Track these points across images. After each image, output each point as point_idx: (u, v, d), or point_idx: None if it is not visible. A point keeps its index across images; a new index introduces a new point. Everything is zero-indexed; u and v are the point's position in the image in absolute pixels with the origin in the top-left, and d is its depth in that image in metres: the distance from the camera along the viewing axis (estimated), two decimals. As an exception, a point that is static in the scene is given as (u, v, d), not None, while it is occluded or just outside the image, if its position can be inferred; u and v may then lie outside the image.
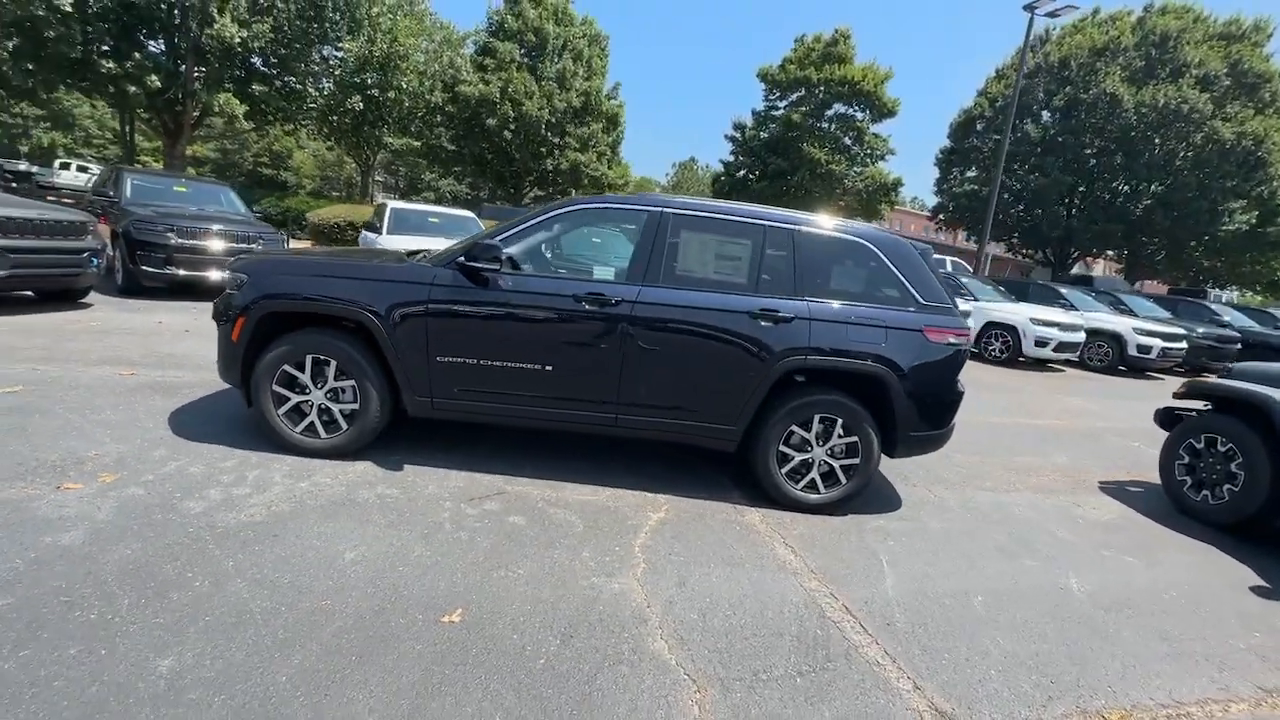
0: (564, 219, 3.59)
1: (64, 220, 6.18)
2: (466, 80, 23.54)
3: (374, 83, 21.96)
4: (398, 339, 3.30)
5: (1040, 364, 11.80)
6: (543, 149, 24.59)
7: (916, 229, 50.95)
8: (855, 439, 3.47)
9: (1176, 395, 4.60)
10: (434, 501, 3.11)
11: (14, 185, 20.36)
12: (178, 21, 18.27)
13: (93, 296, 7.23)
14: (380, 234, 8.89)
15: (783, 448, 3.49)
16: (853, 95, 28.96)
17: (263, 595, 2.22)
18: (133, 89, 17.82)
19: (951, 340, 3.51)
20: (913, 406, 3.46)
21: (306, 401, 3.38)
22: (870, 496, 3.89)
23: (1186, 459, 4.39)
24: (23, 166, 27.60)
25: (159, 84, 17.88)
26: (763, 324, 3.35)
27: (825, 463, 3.52)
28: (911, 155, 66.96)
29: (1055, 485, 4.67)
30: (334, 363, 3.33)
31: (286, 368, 3.33)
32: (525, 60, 24.31)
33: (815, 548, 3.14)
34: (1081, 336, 11.37)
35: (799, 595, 2.68)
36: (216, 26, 17.24)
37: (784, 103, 31.14)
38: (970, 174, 31.46)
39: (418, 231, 8.89)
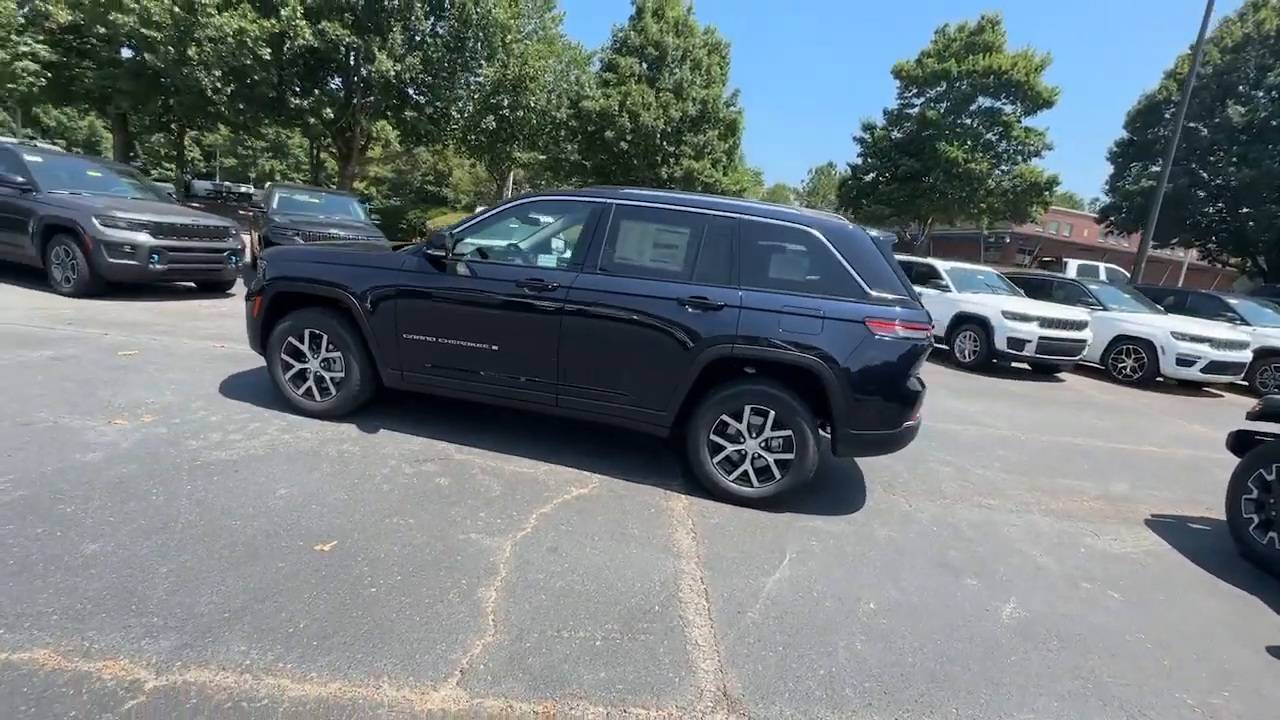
0: (517, 211, 3.88)
1: (210, 225, 7.67)
2: (589, 96, 24.89)
3: (507, 103, 23.99)
4: (372, 317, 3.78)
5: (1193, 387, 9.97)
6: (658, 158, 25.23)
7: (1090, 235, 44.62)
8: (789, 433, 3.35)
9: (1250, 415, 3.79)
10: (382, 459, 3.53)
11: (233, 202, 25.17)
12: (350, 62, 21.47)
13: (237, 287, 8.83)
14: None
15: (715, 437, 3.46)
16: (1000, 87, 26.21)
17: (194, 512, 2.73)
18: (313, 120, 21.24)
19: (902, 333, 3.26)
20: (854, 402, 3.26)
21: (306, 369, 3.99)
22: (829, 497, 3.70)
23: (1255, 493, 3.61)
24: (243, 189, 33.86)
25: (332, 115, 21.14)
26: (691, 311, 3.37)
27: (760, 456, 3.43)
28: (1081, 151, 58.53)
29: (1084, 512, 4.05)
30: (325, 336, 3.90)
31: (291, 340, 3.95)
32: (645, 73, 25.15)
33: (721, 537, 3.10)
34: (1246, 356, 9.42)
35: (665, 575, 2.69)
36: (376, 62, 19.98)
37: (920, 99, 29.01)
38: (1154, 169, 26.99)
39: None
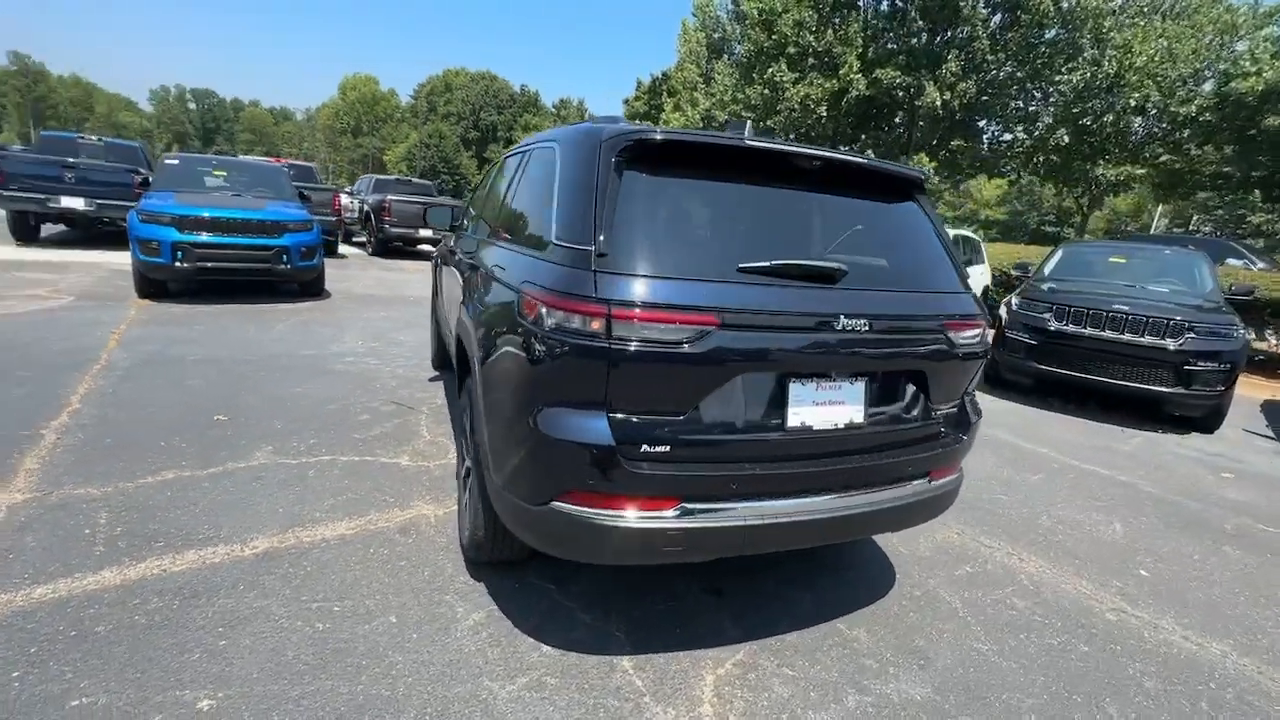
0: (491, 173, 3.78)
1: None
2: (1245, 72, 16.68)
3: (1091, 110, 18.93)
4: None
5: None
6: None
7: None
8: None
9: None
10: (381, 393, 4.24)
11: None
12: (903, 101, 21.65)
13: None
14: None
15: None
16: None
17: (224, 386, 4.06)
18: (859, 162, 22.60)
19: (547, 318, 1.63)
20: (487, 414, 1.88)
21: (434, 324, 5.09)
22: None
23: None
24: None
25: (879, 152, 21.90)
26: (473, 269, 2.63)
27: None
28: None
29: None
30: (435, 298, 4.89)
31: (432, 300, 5.13)
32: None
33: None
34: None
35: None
36: (925, 95, 19.53)
37: None
38: None
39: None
